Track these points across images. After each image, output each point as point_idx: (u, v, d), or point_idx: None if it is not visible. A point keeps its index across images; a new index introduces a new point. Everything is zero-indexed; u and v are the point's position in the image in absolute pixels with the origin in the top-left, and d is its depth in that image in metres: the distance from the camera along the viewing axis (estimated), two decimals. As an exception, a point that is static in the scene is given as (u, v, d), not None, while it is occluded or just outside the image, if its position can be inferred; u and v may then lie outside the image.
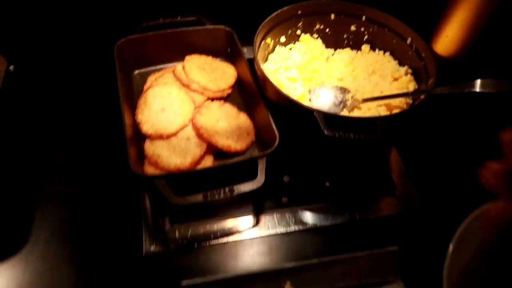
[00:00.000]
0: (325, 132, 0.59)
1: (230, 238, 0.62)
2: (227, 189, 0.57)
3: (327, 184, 0.69)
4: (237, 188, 0.57)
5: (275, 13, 0.77)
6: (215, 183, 0.58)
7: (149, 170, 0.64)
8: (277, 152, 0.61)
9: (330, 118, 0.61)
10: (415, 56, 0.76)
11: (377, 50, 0.83)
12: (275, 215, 0.64)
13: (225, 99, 0.78)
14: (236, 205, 0.65)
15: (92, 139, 0.72)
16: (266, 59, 0.80)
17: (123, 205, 0.64)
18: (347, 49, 0.86)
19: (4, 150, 0.69)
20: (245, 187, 0.58)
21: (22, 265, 0.57)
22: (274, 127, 0.64)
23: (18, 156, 0.69)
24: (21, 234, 0.59)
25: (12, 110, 0.75)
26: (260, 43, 0.75)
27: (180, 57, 0.80)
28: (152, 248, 0.60)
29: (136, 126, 0.70)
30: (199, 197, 0.56)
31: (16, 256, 0.57)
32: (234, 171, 0.61)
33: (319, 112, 0.60)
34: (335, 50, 0.86)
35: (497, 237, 0.29)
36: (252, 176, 0.59)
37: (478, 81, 0.57)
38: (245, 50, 0.80)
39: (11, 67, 0.75)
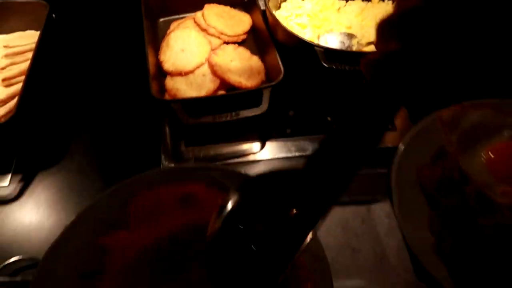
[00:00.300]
0: (324, 64, 0.65)
1: (237, 160, 0.70)
2: (233, 113, 0.65)
3: (329, 118, 0.75)
4: (242, 112, 0.65)
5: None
6: (225, 110, 0.66)
7: (170, 82, 0.74)
8: (283, 90, 0.67)
9: (329, 53, 0.66)
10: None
11: (386, 0, 0.87)
12: (279, 143, 0.72)
13: (240, 43, 0.84)
14: (245, 134, 0.73)
15: (121, 77, 0.82)
16: (279, 7, 0.86)
17: (145, 130, 0.73)
18: (358, 1, 0.90)
19: (46, 81, 0.80)
20: (249, 112, 0.65)
21: (61, 174, 0.67)
22: (280, 63, 0.71)
23: (59, 86, 0.80)
24: (61, 149, 0.70)
25: (52, 51, 0.86)
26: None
27: (202, 7, 0.87)
28: (168, 165, 0.69)
29: (158, 65, 0.78)
30: (209, 118, 0.64)
31: (56, 166, 0.68)
32: (242, 101, 0.68)
33: (319, 46, 0.66)
34: (346, 1, 0.90)
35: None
36: (258, 105, 0.66)
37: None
38: (261, 2, 0.86)
39: (53, 15, 0.85)
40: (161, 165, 0.68)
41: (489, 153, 0.37)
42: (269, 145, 0.71)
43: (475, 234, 0.31)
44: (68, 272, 0.37)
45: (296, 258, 0.37)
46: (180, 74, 0.76)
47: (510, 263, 0.32)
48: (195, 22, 0.84)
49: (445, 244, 0.32)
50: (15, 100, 0.69)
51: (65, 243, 0.39)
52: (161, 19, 0.89)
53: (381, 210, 0.64)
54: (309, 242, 0.38)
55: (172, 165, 0.68)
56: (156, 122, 0.73)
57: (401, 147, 0.39)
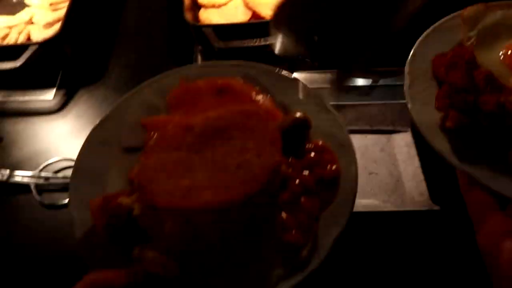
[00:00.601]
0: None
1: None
2: (262, 39, 0.67)
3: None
4: (270, 38, 0.67)
5: None
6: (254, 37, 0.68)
7: (203, 14, 0.77)
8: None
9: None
10: None
11: None
12: (306, 75, 0.73)
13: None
14: (274, 64, 0.75)
15: (159, 7, 0.85)
16: None
17: (178, 56, 0.77)
18: None
19: (88, 5, 0.85)
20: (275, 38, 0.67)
21: (100, 91, 0.73)
22: None
23: (99, 10, 0.85)
24: (100, 68, 0.75)
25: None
26: None
27: None
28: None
29: (194, -2, 0.81)
30: (237, 43, 0.67)
31: (96, 83, 0.73)
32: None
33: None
34: None
35: None
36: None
37: None
38: None
39: None
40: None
41: (508, 50, 0.37)
42: (297, 75, 0.73)
43: (477, 110, 0.32)
44: (112, 145, 0.41)
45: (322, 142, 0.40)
46: (213, 6, 0.79)
47: (507, 140, 0.33)
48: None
49: (448, 119, 0.33)
50: (60, 23, 0.74)
51: (110, 121, 0.43)
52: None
53: (402, 140, 0.65)
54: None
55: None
56: (189, 48, 0.77)
57: (419, 40, 0.40)
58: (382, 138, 0.65)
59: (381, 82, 0.72)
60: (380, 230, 0.56)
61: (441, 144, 0.34)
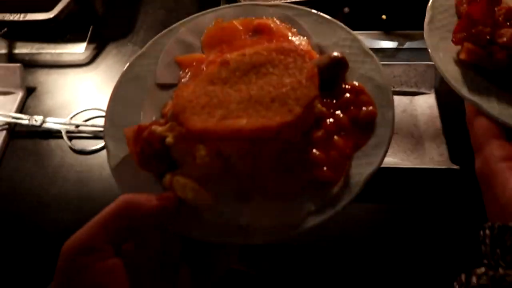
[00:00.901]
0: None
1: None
2: None
3: (383, 17, 0.75)
4: None
5: None
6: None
7: None
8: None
9: None
10: None
11: None
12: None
13: None
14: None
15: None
16: None
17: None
18: None
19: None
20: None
21: (128, 47, 0.75)
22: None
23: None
24: (128, 25, 0.77)
25: None
26: None
27: None
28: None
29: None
30: None
31: (124, 39, 0.75)
32: None
33: None
34: None
35: None
36: None
37: None
38: None
39: None
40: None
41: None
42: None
43: (492, 43, 0.32)
44: (147, 81, 0.42)
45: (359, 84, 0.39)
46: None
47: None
48: None
49: (462, 51, 0.33)
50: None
51: (145, 57, 0.43)
52: None
53: (425, 102, 0.65)
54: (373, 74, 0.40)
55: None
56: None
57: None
58: (404, 99, 0.66)
59: (407, 45, 0.71)
60: (397, 185, 0.57)
61: (453, 75, 0.34)
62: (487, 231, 0.28)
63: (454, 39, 0.35)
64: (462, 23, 0.34)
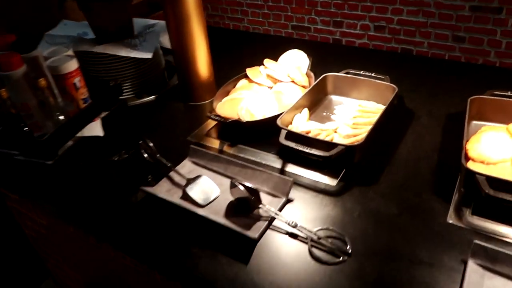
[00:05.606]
0: None
1: None
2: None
3: None
4: None
5: None
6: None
7: (471, 166, 0.90)
8: None
9: None
10: None
11: None
12: None
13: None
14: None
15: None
16: None
17: (442, 189, 0.91)
18: None
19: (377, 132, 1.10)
20: None
21: (369, 196, 0.92)
22: None
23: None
24: (374, 175, 0.96)
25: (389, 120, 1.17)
26: None
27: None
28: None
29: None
30: (505, 195, 0.77)
31: (368, 187, 0.94)
32: None
33: None
34: None
35: None
36: None
37: None
38: None
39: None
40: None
41: None
42: None
43: None
44: None
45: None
46: (482, 162, 0.92)
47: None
48: (507, 130, 1.00)
49: None
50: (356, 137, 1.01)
51: None
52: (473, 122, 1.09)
53: None
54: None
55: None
56: (450, 185, 0.90)
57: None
58: None
59: None
60: None
61: None
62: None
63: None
64: None
